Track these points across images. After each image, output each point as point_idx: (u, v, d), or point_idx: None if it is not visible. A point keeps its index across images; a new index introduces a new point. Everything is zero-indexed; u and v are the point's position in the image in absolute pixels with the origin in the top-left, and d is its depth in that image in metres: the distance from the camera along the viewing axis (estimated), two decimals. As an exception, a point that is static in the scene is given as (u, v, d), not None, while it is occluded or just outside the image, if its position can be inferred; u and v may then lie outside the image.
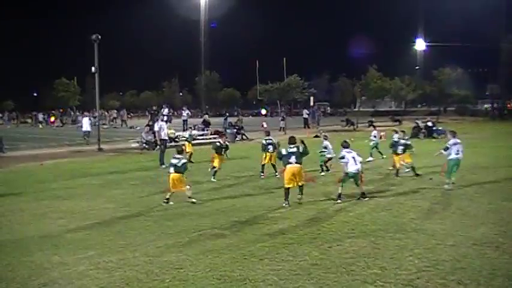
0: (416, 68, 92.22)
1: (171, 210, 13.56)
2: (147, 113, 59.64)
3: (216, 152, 19.53)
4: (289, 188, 13.83)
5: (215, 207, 13.85)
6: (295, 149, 14.05)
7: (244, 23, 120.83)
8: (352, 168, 14.47)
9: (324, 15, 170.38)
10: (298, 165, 13.94)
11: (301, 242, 10.22)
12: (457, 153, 15.48)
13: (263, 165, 19.61)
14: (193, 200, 14.25)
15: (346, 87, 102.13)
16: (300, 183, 13.96)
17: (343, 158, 14.70)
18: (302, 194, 14.08)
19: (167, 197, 14.23)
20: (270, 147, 19.59)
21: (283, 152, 14.33)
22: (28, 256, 9.74)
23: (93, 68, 31.80)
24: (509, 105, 73.15)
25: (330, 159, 19.61)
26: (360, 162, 14.70)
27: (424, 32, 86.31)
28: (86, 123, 37.93)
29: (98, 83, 32.57)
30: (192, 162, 21.26)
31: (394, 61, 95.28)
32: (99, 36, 31.44)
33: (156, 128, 25.46)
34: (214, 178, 18.38)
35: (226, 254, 9.54)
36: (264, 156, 19.66)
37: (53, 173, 21.72)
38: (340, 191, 14.41)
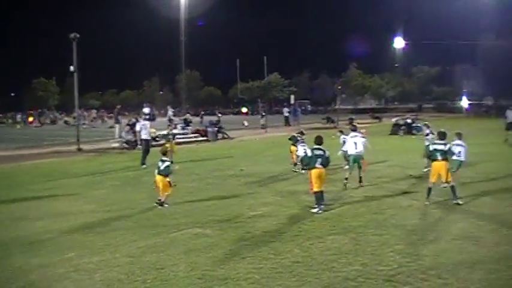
0: (396, 65, 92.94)
1: (152, 210, 13.46)
2: (112, 114, 59.03)
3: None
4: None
5: (196, 206, 13.79)
6: (321, 152, 13.13)
7: (225, 22, 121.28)
8: (352, 151, 16.27)
9: (305, 14, 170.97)
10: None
11: (282, 239, 10.22)
12: (459, 155, 15.18)
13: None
14: (166, 205, 13.84)
15: (326, 85, 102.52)
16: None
17: (345, 142, 17.01)
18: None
19: (159, 198, 14.12)
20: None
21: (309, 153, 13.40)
22: (7, 259, 9.60)
23: (71, 67, 31.47)
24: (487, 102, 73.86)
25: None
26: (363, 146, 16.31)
27: (403, 30, 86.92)
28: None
29: (76, 83, 32.25)
30: (172, 162, 21.11)
31: (374, 59, 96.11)
32: (78, 35, 31.08)
33: (137, 127, 25.06)
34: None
35: (208, 253, 9.50)
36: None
37: (31, 174, 21.46)
38: (347, 175, 16.11)
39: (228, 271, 8.46)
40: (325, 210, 12.56)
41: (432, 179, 13.17)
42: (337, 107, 75.30)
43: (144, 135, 23.40)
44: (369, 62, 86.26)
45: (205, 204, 14.05)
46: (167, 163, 14.21)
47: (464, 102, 56.87)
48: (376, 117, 59.40)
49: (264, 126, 47.79)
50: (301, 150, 18.01)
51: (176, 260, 9.13)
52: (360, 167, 16.28)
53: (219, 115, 42.75)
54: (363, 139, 16.78)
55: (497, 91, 72.46)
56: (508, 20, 65.32)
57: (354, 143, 16.41)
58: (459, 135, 15.92)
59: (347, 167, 18.81)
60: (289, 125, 52.52)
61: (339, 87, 70.93)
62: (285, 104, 74.38)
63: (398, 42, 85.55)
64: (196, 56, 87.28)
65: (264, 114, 52.02)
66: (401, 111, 73.86)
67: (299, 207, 13.21)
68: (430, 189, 13.22)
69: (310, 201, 13.34)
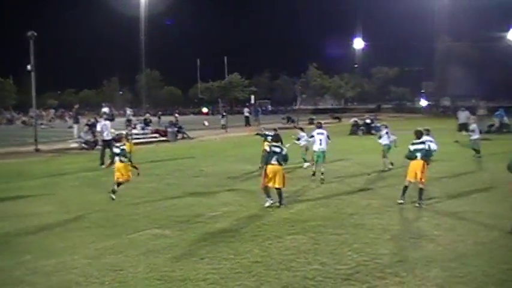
0: (355, 66, 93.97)
1: (111, 211, 13.28)
2: (70, 114, 58.04)
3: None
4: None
5: (155, 207, 13.67)
6: (278, 149, 13.40)
7: (186, 21, 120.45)
8: (316, 147, 17.59)
9: (265, 15, 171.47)
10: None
11: (242, 240, 10.22)
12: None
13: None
14: (113, 196, 14.02)
15: (286, 85, 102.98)
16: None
17: (312, 137, 18.07)
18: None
19: (114, 188, 14.04)
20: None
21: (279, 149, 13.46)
22: (-41, 262, 9.35)
23: (28, 66, 30.77)
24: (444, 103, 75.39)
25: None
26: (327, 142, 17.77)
27: (362, 31, 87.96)
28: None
29: (34, 82, 31.54)
30: (131, 161, 20.82)
31: (334, 60, 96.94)
32: (35, 33, 30.44)
33: (98, 127, 24.56)
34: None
35: (167, 254, 9.44)
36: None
37: (-14, 175, 20.95)
38: (313, 169, 17.60)
39: (187, 272, 8.41)
40: (284, 210, 12.65)
41: (409, 177, 13.18)
42: (297, 107, 75.78)
43: (106, 136, 23.00)
44: (329, 63, 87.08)
45: (164, 204, 13.95)
46: (123, 146, 14.26)
47: (423, 103, 57.95)
48: (336, 118, 59.96)
49: (224, 127, 47.74)
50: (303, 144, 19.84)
51: (135, 261, 9.03)
52: (323, 162, 17.48)
53: (176, 115, 42.33)
54: (327, 137, 17.85)
55: (454, 92, 74.08)
56: (463, 22, 66.74)
57: (319, 140, 17.66)
58: (427, 131, 16.66)
59: (306, 164, 19.29)
60: (250, 125, 52.52)
61: (299, 88, 71.36)
62: (247, 103, 74.49)
63: (358, 43, 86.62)
64: (157, 55, 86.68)
65: (224, 114, 51.95)
66: (360, 111, 74.76)
67: (258, 207, 13.19)
68: (406, 188, 13.24)
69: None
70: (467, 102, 75.40)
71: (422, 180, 12.93)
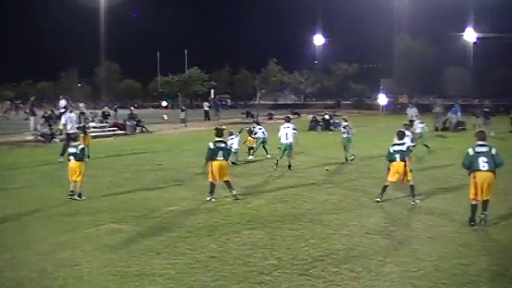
0: (315, 62, 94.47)
1: (67, 205, 13.07)
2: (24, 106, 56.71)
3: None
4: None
5: (112, 201, 13.53)
6: (223, 144, 13.61)
7: (146, 13, 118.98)
8: (283, 140, 18.46)
9: (226, 9, 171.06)
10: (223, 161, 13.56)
11: (199, 234, 10.20)
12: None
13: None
14: (77, 198, 13.60)
15: (246, 80, 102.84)
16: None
17: (278, 131, 18.87)
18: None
19: (71, 189, 13.74)
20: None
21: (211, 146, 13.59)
22: None
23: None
24: (400, 100, 76.33)
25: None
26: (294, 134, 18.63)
27: (322, 27, 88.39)
28: None
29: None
30: (89, 156, 20.54)
31: (295, 56, 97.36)
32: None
33: (63, 120, 23.85)
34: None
35: (123, 249, 9.36)
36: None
37: None
38: (276, 161, 18.45)
39: (144, 267, 8.36)
40: (241, 205, 12.69)
41: (390, 178, 13.10)
42: (257, 102, 75.83)
43: (70, 129, 22.40)
44: (289, 58, 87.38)
45: (121, 199, 13.83)
46: (81, 146, 13.99)
47: (382, 100, 58.33)
48: (296, 113, 60.16)
49: (184, 121, 47.49)
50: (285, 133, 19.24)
51: (90, 257, 8.93)
52: (288, 155, 18.53)
53: (132, 108, 41.72)
54: (294, 130, 18.68)
55: (412, 89, 75.20)
56: (422, 21, 67.74)
57: (285, 134, 18.48)
58: (406, 126, 17.50)
59: (250, 157, 19.88)
60: (209, 120, 52.39)
61: (259, 83, 71.44)
62: (209, 98, 74.18)
63: (318, 40, 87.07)
64: (116, 47, 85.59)
65: (184, 108, 51.61)
66: (320, 107, 75.34)
67: (216, 202, 13.21)
68: (385, 187, 13.19)
69: (228, 195, 13.46)
70: (425, 100, 76.82)
71: (409, 178, 12.88)
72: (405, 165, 12.85)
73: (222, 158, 13.30)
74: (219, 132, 13.73)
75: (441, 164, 19.21)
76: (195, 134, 35.01)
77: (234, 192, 13.50)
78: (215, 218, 11.52)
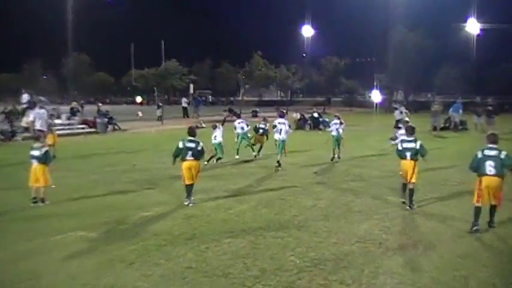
0: (303, 55, 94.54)
1: (30, 210, 12.97)
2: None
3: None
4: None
5: (80, 206, 13.43)
6: (193, 144, 13.54)
7: (120, 1, 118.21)
8: (277, 137, 19.23)
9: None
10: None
11: (175, 243, 10.13)
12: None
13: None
14: (40, 204, 13.50)
15: (229, 74, 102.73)
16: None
17: (275, 127, 19.56)
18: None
19: (33, 195, 13.58)
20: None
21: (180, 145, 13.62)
22: None
23: None
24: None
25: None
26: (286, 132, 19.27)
27: (311, 18, 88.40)
28: None
29: None
30: (55, 156, 20.39)
31: (281, 49, 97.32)
32: None
33: (31, 116, 23.56)
34: None
35: (92, 259, 9.28)
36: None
37: None
38: (278, 158, 19.08)
39: (114, 279, 8.28)
40: (222, 210, 12.65)
41: (403, 179, 13.14)
42: (240, 98, 75.69)
43: (39, 126, 22.13)
44: (275, 52, 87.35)
45: (91, 204, 13.74)
46: (45, 148, 13.83)
47: (376, 97, 58.25)
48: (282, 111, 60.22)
49: (160, 118, 47.36)
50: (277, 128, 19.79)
51: (56, 267, 8.85)
52: (281, 152, 19.09)
53: (100, 104, 41.34)
54: (287, 127, 19.39)
55: (408, 85, 75.33)
56: (419, 12, 67.93)
57: (279, 130, 19.25)
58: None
59: (255, 154, 19.87)
60: (188, 117, 52.27)
61: (242, 77, 71.28)
62: (188, 94, 73.78)
63: (307, 31, 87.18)
64: (86, 37, 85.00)
65: (160, 104, 51.38)
66: (308, 104, 75.39)
67: (194, 207, 13.15)
68: (404, 186, 13.17)
69: (207, 200, 13.41)
70: (422, 97, 77.07)
71: (412, 180, 12.82)
72: (415, 165, 12.83)
73: (191, 159, 13.29)
74: (192, 131, 13.74)
75: (439, 166, 19.25)
76: (172, 133, 34.85)
77: (188, 203, 13.38)
78: (193, 225, 11.46)
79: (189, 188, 13.43)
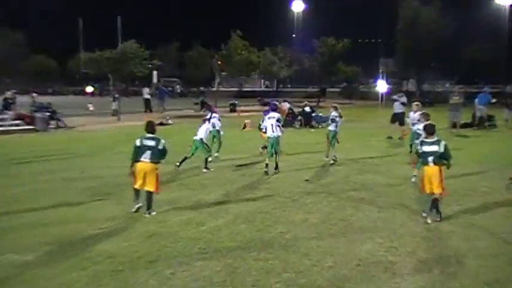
0: (293, 36, 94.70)
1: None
2: None
3: None
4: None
5: (16, 222, 13.33)
6: (153, 142, 13.71)
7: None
8: (269, 134, 19.62)
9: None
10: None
11: (134, 267, 10.11)
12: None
13: None
14: None
15: (202, 59, 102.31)
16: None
17: (261, 123, 20.54)
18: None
19: None
20: None
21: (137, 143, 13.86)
22: None
23: None
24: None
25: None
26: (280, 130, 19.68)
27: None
28: None
29: None
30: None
31: (265, 27, 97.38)
32: None
33: None
34: None
35: None
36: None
37: None
38: (266, 161, 19.47)
39: (56, 312, 8.25)
40: (193, 226, 12.63)
41: (425, 189, 13.14)
42: (215, 88, 75.63)
43: None
44: (258, 31, 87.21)
45: (28, 219, 13.62)
46: None
47: (382, 86, 58.18)
48: (266, 103, 60.10)
49: (116, 113, 47.17)
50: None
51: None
52: (276, 152, 19.66)
53: (34, 95, 40.90)
54: (278, 122, 19.75)
55: (422, 72, 75.45)
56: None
57: (270, 125, 19.73)
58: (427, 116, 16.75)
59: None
60: (151, 111, 52.16)
61: (218, 63, 71.04)
62: (151, 83, 73.70)
63: (297, 5, 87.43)
64: (20, 10, 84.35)
65: (116, 96, 50.97)
66: (298, 96, 75.54)
67: (158, 221, 13.13)
68: (434, 202, 13.06)
69: (173, 214, 13.39)
70: (439, 87, 77.22)
71: (436, 191, 12.89)
72: (440, 173, 12.90)
73: (148, 160, 13.40)
74: (150, 127, 13.90)
75: (461, 173, 19.25)
76: (131, 131, 34.57)
77: (147, 215, 13.52)
78: (156, 245, 11.43)
79: (149, 196, 13.51)
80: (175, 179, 18.02)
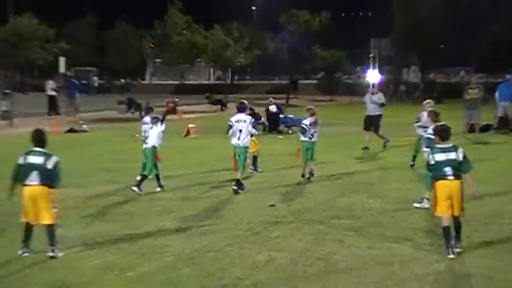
0: (253, 9, 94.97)
1: None
2: None
3: None
4: None
5: None
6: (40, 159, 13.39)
7: None
8: (234, 142, 20.28)
9: None
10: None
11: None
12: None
13: None
14: None
15: (128, 41, 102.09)
16: None
17: (230, 127, 20.37)
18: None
19: None
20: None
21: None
22: None
23: None
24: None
25: None
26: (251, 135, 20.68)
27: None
28: None
29: None
30: None
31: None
32: None
33: None
34: None
35: None
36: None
37: None
38: (238, 177, 20.06)
39: None
40: (115, 272, 12.48)
41: (441, 210, 12.98)
42: (147, 81, 75.54)
43: None
44: (205, 2, 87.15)
45: None
46: None
47: (374, 77, 58.46)
48: (218, 102, 60.16)
49: (7, 115, 46.64)
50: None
51: None
52: (243, 163, 20.50)
53: None
54: (251, 127, 20.37)
55: (427, 57, 75.86)
56: None
57: (238, 131, 20.24)
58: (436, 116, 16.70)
59: (252, 170, 20.11)
60: (58, 113, 51.77)
61: (151, 47, 70.68)
62: (57, 74, 73.31)
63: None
64: None
65: (7, 92, 50.56)
66: (261, 91, 75.73)
67: (65, 267, 12.87)
68: (446, 230, 13.01)
69: (87, 256, 13.25)
70: (450, 76, 77.75)
71: (456, 213, 12.87)
72: (460, 187, 12.86)
73: (36, 183, 13.06)
74: (38, 137, 13.79)
75: (483, 192, 19.21)
76: (28, 141, 34.25)
77: (53, 254, 13.24)
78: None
79: (50, 231, 13.19)
80: (92, 206, 17.85)
